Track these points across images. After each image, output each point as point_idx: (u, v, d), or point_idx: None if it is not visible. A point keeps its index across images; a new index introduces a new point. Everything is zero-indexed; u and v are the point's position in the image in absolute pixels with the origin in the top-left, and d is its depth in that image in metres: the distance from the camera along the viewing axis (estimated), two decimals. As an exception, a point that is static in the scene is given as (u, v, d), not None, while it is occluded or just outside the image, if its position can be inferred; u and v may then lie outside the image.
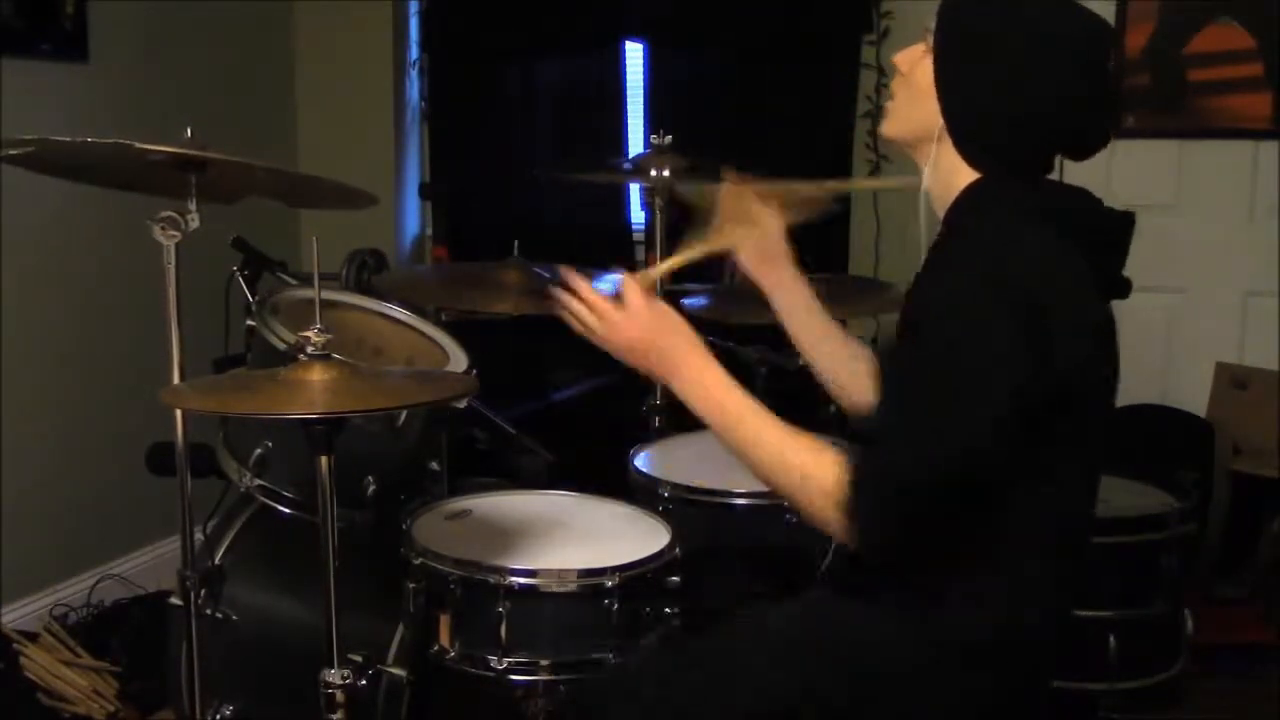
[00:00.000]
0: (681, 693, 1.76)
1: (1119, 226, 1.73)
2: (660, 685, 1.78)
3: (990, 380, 1.52)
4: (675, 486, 2.37)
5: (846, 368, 2.01)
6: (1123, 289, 1.75)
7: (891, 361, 1.65)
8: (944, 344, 1.55)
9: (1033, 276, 1.57)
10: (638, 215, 4.14)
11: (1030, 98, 1.61)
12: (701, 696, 1.74)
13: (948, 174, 1.68)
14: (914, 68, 1.70)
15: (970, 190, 1.66)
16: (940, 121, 1.66)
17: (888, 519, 1.54)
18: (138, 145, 1.81)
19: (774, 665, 1.73)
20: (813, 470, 1.58)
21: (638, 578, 2.06)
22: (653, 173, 2.80)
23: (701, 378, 1.73)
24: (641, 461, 2.53)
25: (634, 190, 3.99)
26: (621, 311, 1.77)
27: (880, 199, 3.74)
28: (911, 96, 1.71)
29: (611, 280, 2.53)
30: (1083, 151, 1.69)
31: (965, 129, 1.65)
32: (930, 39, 1.67)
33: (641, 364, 1.77)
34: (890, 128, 1.77)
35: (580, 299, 1.80)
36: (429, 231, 4.32)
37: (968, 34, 1.64)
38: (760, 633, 1.79)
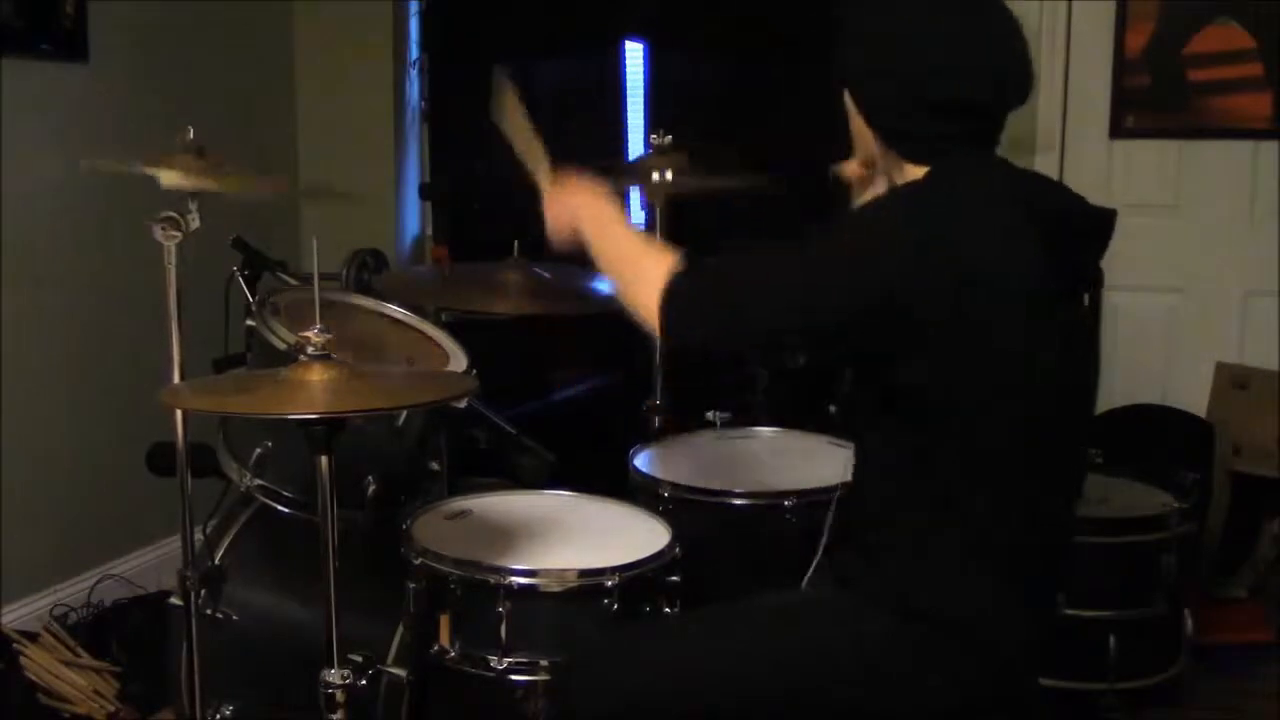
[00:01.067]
0: (668, 676, 1.77)
1: (1092, 219, 1.76)
2: (647, 668, 1.79)
3: (838, 270, 1.64)
4: (675, 486, 2.37)
5: None
6: (1094, 282, 1.78)
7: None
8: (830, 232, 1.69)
9: (943, 210, 1.65)
10: (637, 215, 4.13)
11: (924, 74, 1.69)
12: (689, 681, 1.76)
13: (894, 169, 1.77)
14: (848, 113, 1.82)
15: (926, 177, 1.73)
16: (876, 136, 1.77)
17: (688, 315, 1.70)
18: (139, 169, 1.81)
19: (759, 651, 1.75)
20: (650, 265, 1.74)
21: (638, 578, 2.06)
22: (654, 175, 2.80)
23: (586, 216, 1.90)
24: (641, 461, 2.53)
25: (633, 191, 3.98)
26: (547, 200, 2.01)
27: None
28: (855, 128, 1.81)
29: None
30: (1002, 105, 1.74)
31: (888, 128, 1.74)
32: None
33: (567, 219, 1.94)
34: (846, 168, 1.93)
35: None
36: (429, 231, 4.31)
37: (854, 43, 1.77)
38: (754, 625, 1.81)
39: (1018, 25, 1.73)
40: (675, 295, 1.69)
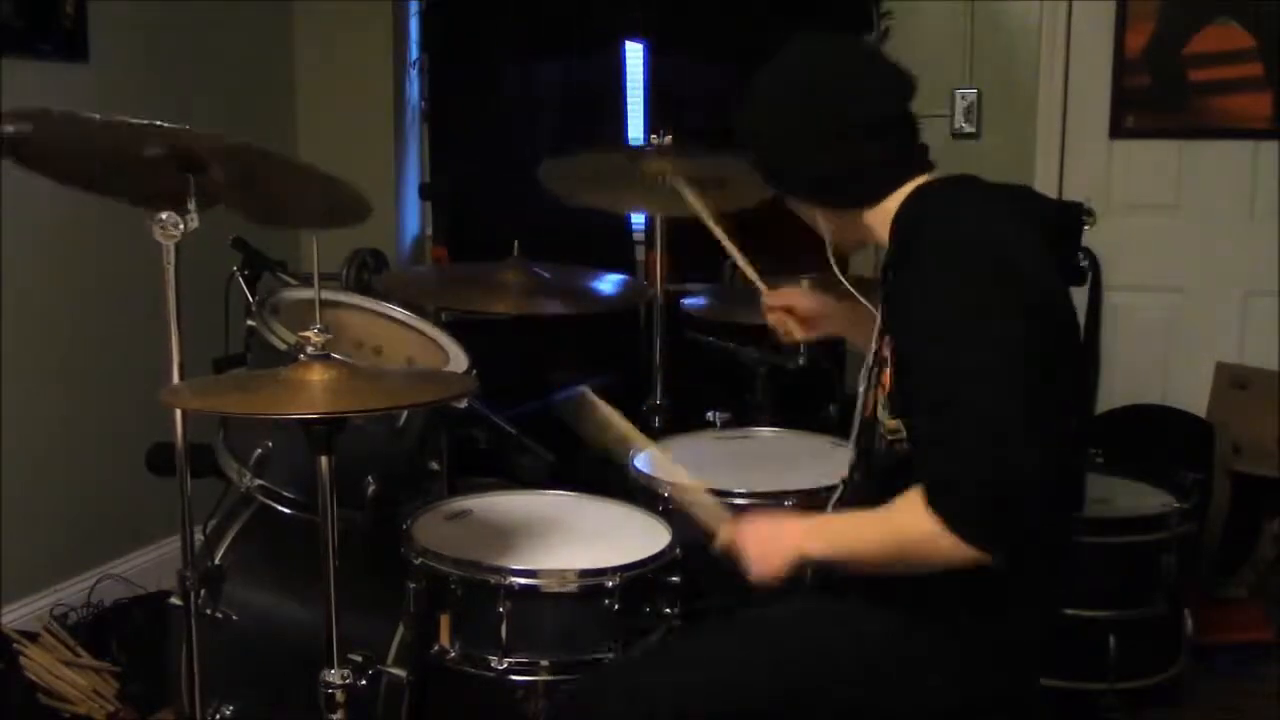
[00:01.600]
0: (676, 683, 1.76)
1: (1065, 215, 1.80)
2: (657, 676, 1.79)
3: (1008, 355, 1.56)
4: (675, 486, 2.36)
5: None
6: (1077, 275, 1.80)
7: (916, 378, 1.66)
8: (957, 340, 1.59)
9: (995, 244, 1.64)
10: (638, 216, 4.13)
11: (831, 108, 1.74)
12: (697, 687, 1.75)
13: (854, 230, 1.82)
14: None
15: (903, 208, 1.74)
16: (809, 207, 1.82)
17: (983, 515, 1.54)
18: (132, 122, 1.80)
19: (761, 651, 1.76)
20: (908, 520, 1.58)
21: (638, 578, 2.06)
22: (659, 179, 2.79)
23: (810, 536, 1.73)
24: (641, 461, 2.52)
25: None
26: (742, 545, 1.79)
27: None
28: (816, 227, 1.86)
29: (611, 281, 2.53)
30: (904, 105, 1.77)
31: (833, 184, 1.78)
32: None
33: (778, 564, 1.73)
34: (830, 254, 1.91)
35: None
36: (429, 231, 4.32)
37: (757, 138, 1.84)
38: (755, 627, 1.81)
39: (862, 41, 1.79)
40: (951, 497, 1.54)
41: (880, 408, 1.74)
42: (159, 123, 1.82)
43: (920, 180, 1.75)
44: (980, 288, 1.59)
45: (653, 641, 2.07)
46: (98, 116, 1.81)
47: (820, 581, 1.86)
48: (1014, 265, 1.61)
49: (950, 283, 1.61)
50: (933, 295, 1.62)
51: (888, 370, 1.72)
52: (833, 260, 1.88)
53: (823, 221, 1.84)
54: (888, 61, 1.80)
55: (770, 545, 1.74)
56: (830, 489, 2.20)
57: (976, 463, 1.54)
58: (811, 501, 2.26)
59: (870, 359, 1.83)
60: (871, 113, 1.74)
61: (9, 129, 1.83)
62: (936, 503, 1.54)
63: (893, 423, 1.70)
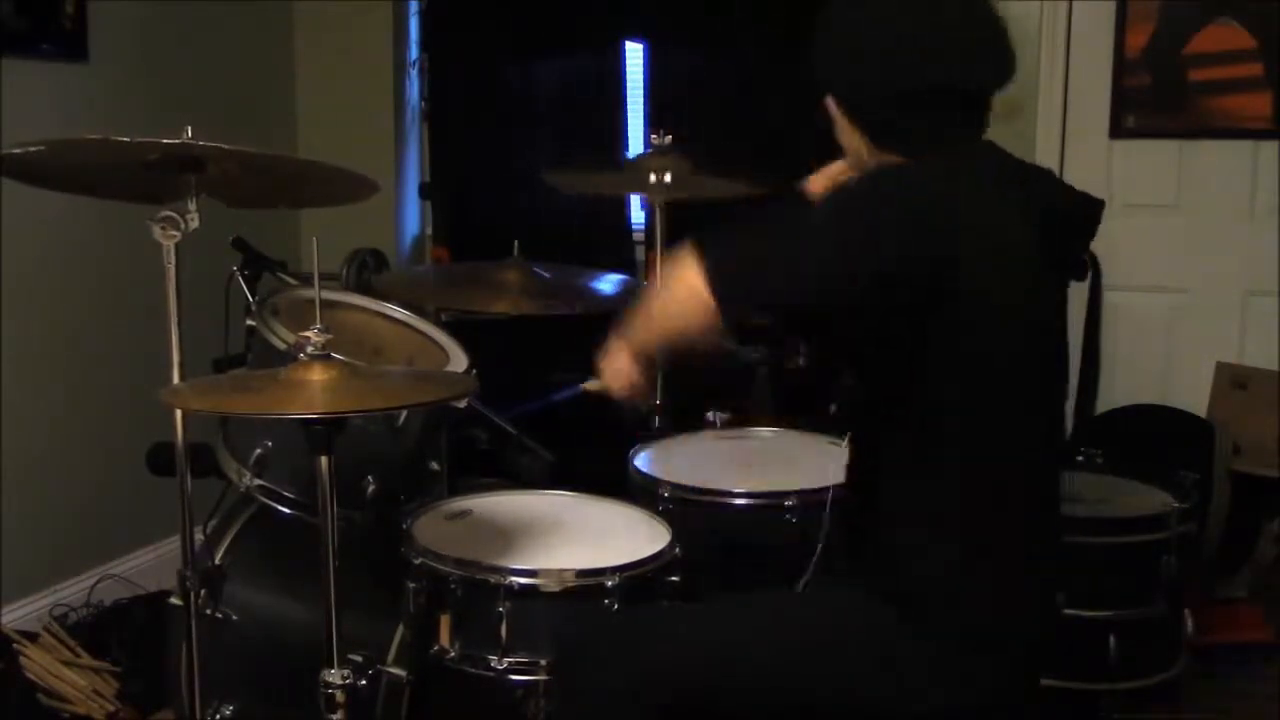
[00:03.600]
0: (667, 668, 1.78)
1: (1080, 208, 1.77)
2: (648, 659, 1.80)
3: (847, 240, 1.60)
4: (675, 486, 2.37)
5: None
6: (1079, 270, 1.78)
7: None
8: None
9: (926, 186, 1.64)
10: (638, 215, 4.14)
11: (899, 64, 1.69)
12: (688, 674, 1.77)
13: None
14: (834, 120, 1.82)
15: None
16: (864, 137, 1.77)
17: (731, 272, 1.61)
18: (136, 141, 1.81)
19: (760, 648, 1.76)
20: (676, 272, 1.64)
21: (638, 578, 2.06)
22: (652, 176, 2.80)
23: (626, 331, 1.79)
24: (641, 461, 2.53)
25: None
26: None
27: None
28: (842, 134, 1.81)
29: (611, 281, 2.54)
30: (981, 87, 1.74)
31: (875, 124, 1.74)
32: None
33: (620, 366, 1.80)
34: (814, 183, 1.94)
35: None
36: (429, 231, 4.32)
37: (828, 45, 1.78)
38: (749, 616, 1.82)
39: (991, 5, 1.73)
40: (715, 261, 1.61)
41: None
42: (162, 140, 1.83)
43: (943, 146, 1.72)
44: (868, 200, 1.63)
45: (652, 630, 2.06)
46: (99, 137, 1.82)
47: (827, 572, 1.87)
48: (919, 208, 1.61)
49: (864, 188, 1.67)
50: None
51: None
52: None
53: (857, 144, 1.79)
54: (1002, 37, 1.73)
55: (616, 358, 1.79)
56: (830, 489, 2.20)
57: (756, 241, 1.62)
58: (811, 501, 2.27)
59: None
60: (961, 82, 1.70)
61: (16, 151, 1.83)
62: (709, 252, 1.61)
63: None
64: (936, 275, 1.59)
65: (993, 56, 1.73)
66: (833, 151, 1.90)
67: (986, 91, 1.74)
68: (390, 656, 2.14)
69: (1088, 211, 1.78)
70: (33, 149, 1.83)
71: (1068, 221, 1.77)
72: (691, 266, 1.61)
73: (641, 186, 2.81)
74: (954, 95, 1.71)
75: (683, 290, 1.63)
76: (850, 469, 1.88)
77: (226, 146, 1.87)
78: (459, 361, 2.41)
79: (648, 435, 2.75)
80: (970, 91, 1.72)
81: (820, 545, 2.15)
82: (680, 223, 2.98)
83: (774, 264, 1.62)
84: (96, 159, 1.98)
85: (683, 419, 2.84)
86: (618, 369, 1.78)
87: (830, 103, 1.80)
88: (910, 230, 1.60)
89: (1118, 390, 3.68)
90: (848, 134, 1.80)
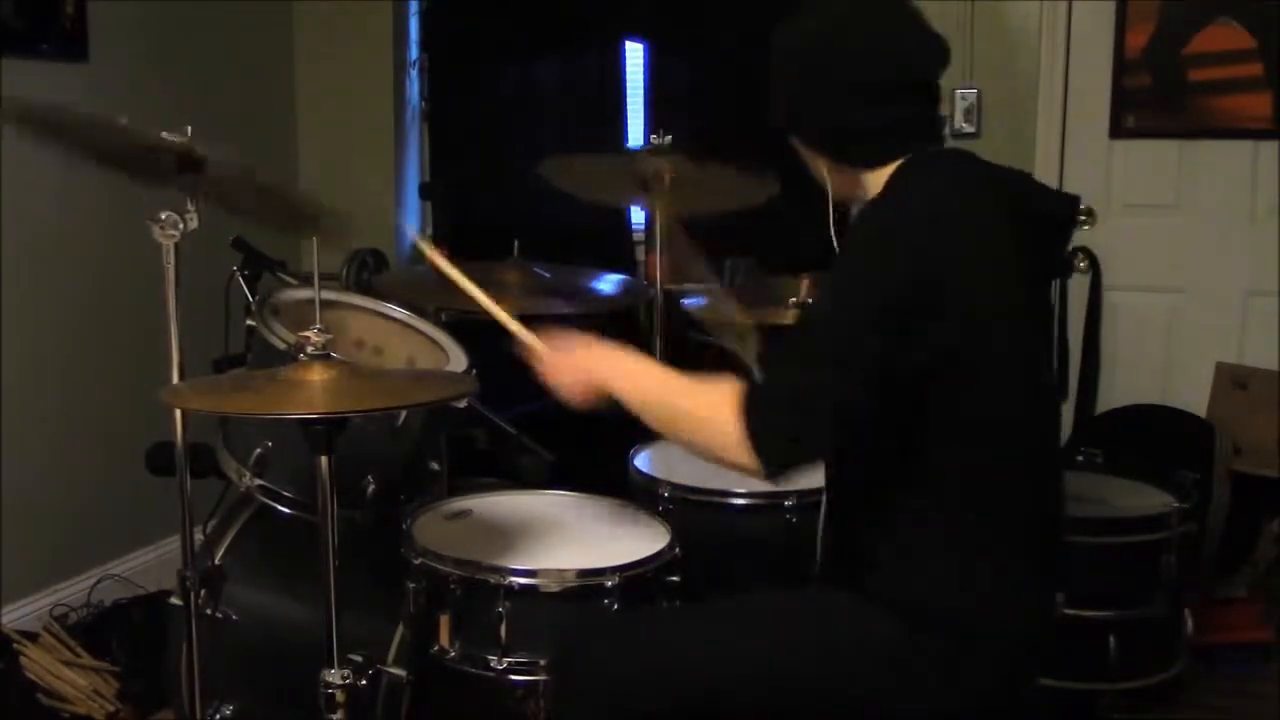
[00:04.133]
0: (669, 666, 1.78)
1: (1056, 206, 1.81)
2: (649, 658, 1.80)
3: (855, 306, 1.62)
4: (675, 486, 2.37)
5: None
6: (1065, 268, 1.81)
7: None
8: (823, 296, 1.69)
9: (910, 218, 1.66)
10: (637, 215, 4.14)
11: (843, 63, 1.73)
12: (689, 674, 1.77)
13: (850, 188, 1.81)
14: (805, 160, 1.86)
15: (893, 175, 1.74)
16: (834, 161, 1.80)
17: (778, 434, 1.62)
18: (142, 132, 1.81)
19: (761, 648, 1.76)
20: (708, 404, 1.66)
21: (638, 578, 2.06)
22: (656, 179, 2.79)
23: (622, 379, 1.82)
24: (641, 461, 2.53)
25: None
26: (554, 352, 1.91)
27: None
28: (816, 170, 1.84)
29: (611, 281, 2.53)
30: (925, 73, 1.77)
31: (834, 137, 1.77)
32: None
33: (584, 383, 1.85)
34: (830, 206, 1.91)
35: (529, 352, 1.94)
36: (429, 231, 4.32)
37: (774, 75, 1.82)
38: (750, 617, 1.82)
39: (906, 3, 1.78)
40: (761, 417, 1.61)
41: None
42: (166, 135, 1.84)
43: (923, 151, 1.75)
44: (868, 251, 1.65)
45: (654, 629, 2.07)
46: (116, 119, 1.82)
47: (830, 576, 1.87)
48: (917, 237, 1.62)
49: (851, 245, 1.67)
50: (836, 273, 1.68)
51: None
52: (832, 223, 1.87)
53: (825, 173, 1.82)
54: (926, 26, 1.78)
55: (583, 374, 1.84)
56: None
57: (786, 378, 1.64)
58: (810, 502, 2.27)
59: None
60: (903, 74, 1.73)
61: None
62: (744, 404, 1.61)
63: None
64: (941, 295, 1.61)
65: (925, 42, 1.77)
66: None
67: (931, 75, 1.77)
68: (390, 656, 2.15)
69: (1066, 210, 1.81)
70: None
71: (1049, 221, 1.80)
72: (728, 419, 1.62)
73: (641, 188, 2.81)
74: (904, 88, 1.74)
75: (720, 441, 1.64)
76: (831, 475, 1.89)
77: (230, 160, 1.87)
78: (459, 361, 2.41)
79: (648, 435, 2.74)
80: (917, 81, 1.75)
81: (820, 546, 2.15)
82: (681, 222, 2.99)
83: (818, 374, 1.62)
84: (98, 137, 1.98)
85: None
86: (571, 388, 1.85)
87: (795, 144, 1.84)
88: (905, 261, 1.62)
89: (1118, 390, 3.68)
90: (819, 167, 1.83)
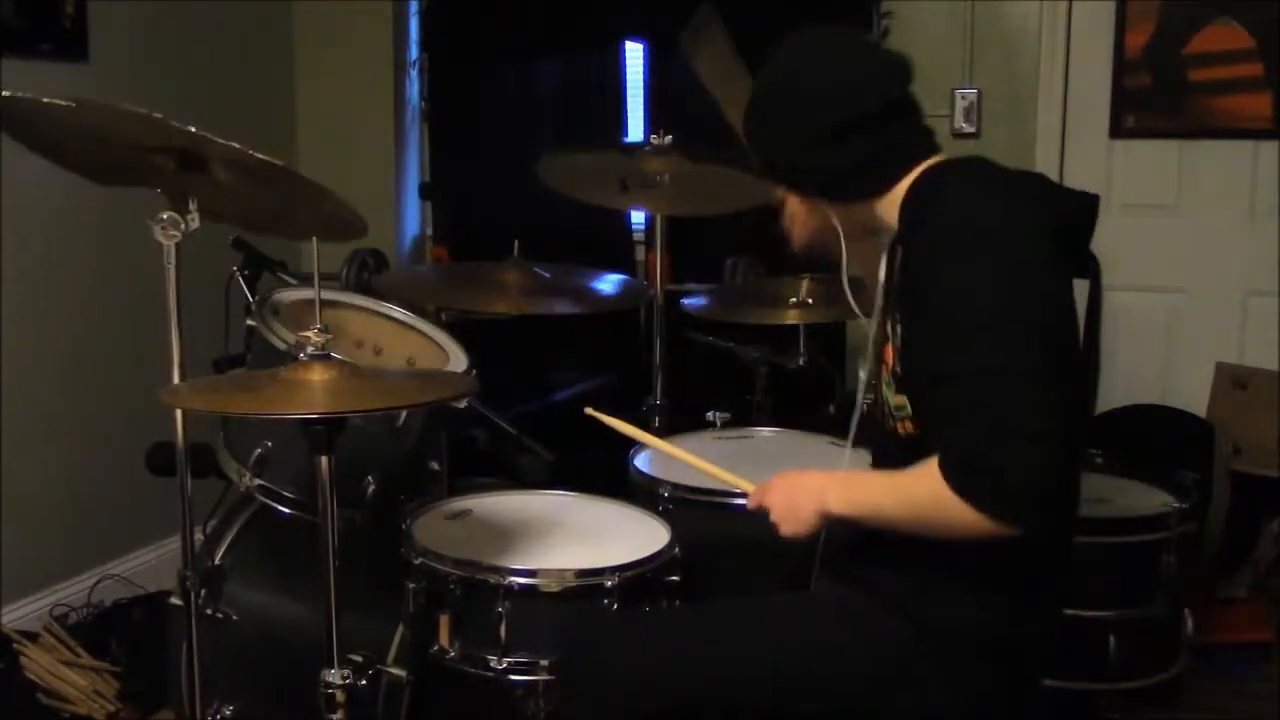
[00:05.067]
0: (671, 666, 1.78)
1: (1080, 206, 1.79)
2: (651, 658, 1.80)
3: (1036, 344, 1.55)
4: (675, 486, 2.37)
5: None
6: (1087, 267, 1.79)
7: (925, 344, 1.64)
8: (964, 312, 1.58)
9: (1018, 231, 1.63)
10: (638, 216, 4.13)
11: (821, 112, 1.73)
12: (690, 673, 1.77)
13: (864, 221, 1.79)
14: (786, 203, 1.86)
15: (912, 190, 1.72)
16: (821, 204, 1.80)
17: (1011, 486, 1.50)
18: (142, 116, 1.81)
19: (764, 649, 1.76)
20: (922, 489, 1.56)
21: (637, 578, 2.06)
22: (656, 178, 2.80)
23: (832, 494, 1.72)
24: (641, 461, 2.53)
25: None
26: (769, 503, 1.80)
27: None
28: (793, 218, 1.86)
29: (611, 281, 2.52)
30: (897, 94, 1.77)
31: (832, 176, 1.76)
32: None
33: (804, 517, 1.75)
34: (795, 242, 1.90)
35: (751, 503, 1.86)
36: (429, 231, 4.32)
37: (761, 126, 1.81)
38: (753, 617, 1.82)
39: (859, 35, 1.85)
40: (975, 487, 1.50)
41: (885, 385, 1.74)
42: (174, 122, 1.83)
43: (929, 162, 1.74)
44: (1008, 277, 1.58)
45: (656, 629, 2.07)
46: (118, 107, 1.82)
47: (832, 576, 1.87)
48: (1037, 253, 1.60)
49: (976, 270, 1.58)
50: (958, 283, 1.59)
51: (889, 346, 1.72)
52: (844, 257, 1.84)
53: (833, 217, 1.81)
54: (882, 50, 1.80)
55: (795, 502, 1.74)
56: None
57: (1007, 445, 1.49)
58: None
59: (873, 333, 1.83)
60: (874, 102, 1.73)
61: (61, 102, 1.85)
62: (964, 482, 1.50)
63: (898, 399, 1.70)
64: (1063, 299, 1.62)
65: (880, 69, 1.77)
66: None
67: (898, 93, 1.76)
68: (390, 656, 2.15)
69: (1087, 208, 1.79)
70: (62, 103, 1.84)
71: (1074, 220, 1.77)
72: (948, 498, 1.52)
73: (641, 187, 2.81)
74: (874, 117, 1.73)
75: (951, 521, 1.53)
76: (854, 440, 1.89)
77: (235, 145, 1.87)
78: (459, 361, 2.41)
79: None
80: (886, 105, 1.74)
81: (820, 546, 2.15)
82: (681, 222, 2.99)
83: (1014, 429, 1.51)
84: (98, 138, 1.97)
85: (683, 419, 2.84)
86: (796, 527, 1.75)
87: (788, 196, 1.84)
88: (1040, 283, 1.60)
89: (1118, 390, 3.68)
90: (821, 219, 1.82)
